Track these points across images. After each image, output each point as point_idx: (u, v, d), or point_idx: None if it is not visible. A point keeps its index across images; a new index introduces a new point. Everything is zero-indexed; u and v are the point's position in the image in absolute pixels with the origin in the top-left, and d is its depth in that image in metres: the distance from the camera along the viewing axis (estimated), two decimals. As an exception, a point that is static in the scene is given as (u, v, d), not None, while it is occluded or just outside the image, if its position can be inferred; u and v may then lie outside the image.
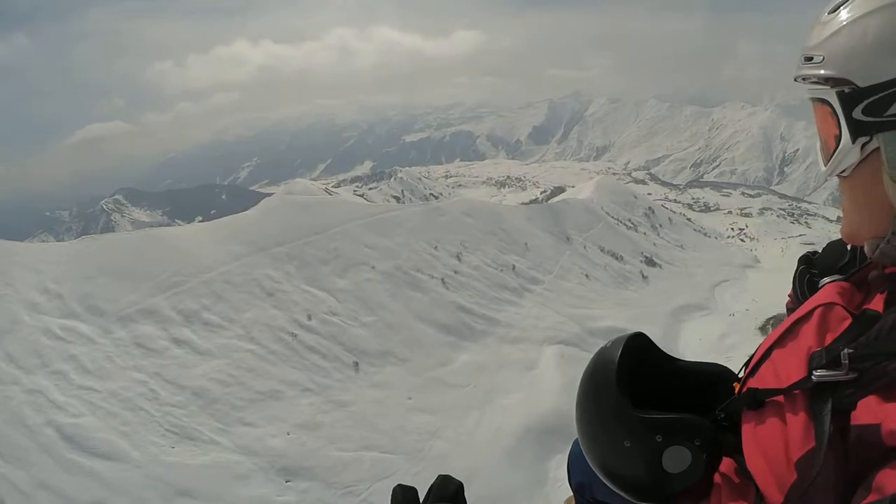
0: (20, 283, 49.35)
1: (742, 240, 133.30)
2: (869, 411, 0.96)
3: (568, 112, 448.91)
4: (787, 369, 1.16)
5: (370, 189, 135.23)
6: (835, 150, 1.16)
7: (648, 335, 1.53)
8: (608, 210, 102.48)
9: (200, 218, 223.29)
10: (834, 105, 1.16)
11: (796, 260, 1.65)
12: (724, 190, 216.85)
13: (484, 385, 49.92)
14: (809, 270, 1.57)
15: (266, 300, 54.99)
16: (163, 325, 49.57)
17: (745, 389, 1.25)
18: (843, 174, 1.17)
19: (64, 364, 44.34)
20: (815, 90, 1.20)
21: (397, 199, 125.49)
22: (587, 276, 75.28)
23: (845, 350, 1.03)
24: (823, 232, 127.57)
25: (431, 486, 1.27)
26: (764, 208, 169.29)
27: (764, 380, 1.22)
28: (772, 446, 1.12)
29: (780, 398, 1.14)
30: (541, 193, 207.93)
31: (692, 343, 59.88)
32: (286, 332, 52.47)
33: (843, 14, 1.15)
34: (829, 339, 1.13)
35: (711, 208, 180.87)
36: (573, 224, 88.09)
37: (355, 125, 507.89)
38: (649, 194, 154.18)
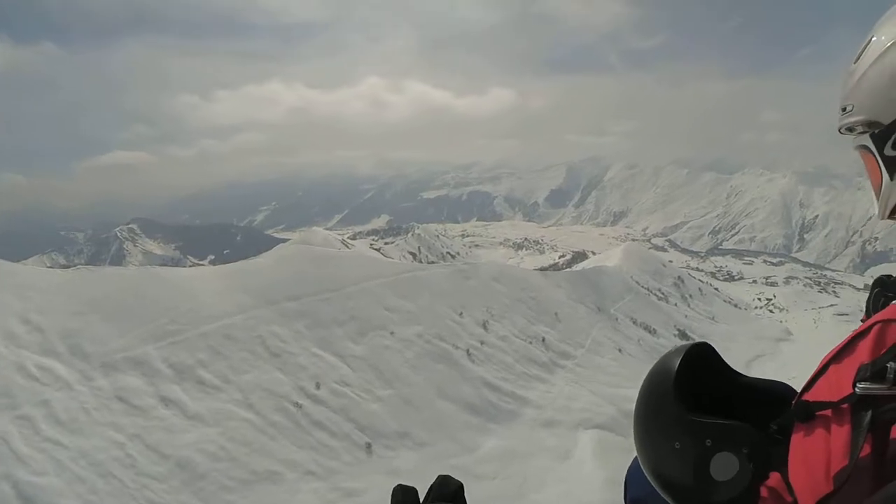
0: (1, 309, 44.87)
1: (771, 311, 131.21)
2: None
3: (586, 176, 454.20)
4: (840, 383, 1.15)
5: (387, 244, 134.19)
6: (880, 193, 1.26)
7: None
8: (638, 279, 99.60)
9: (213, 257, 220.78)
10: (871, 148, 1.25)
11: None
12: (746, 258, 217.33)
13: (514, 477, 44.13)
14: (885, 293, 1.58)
15: (270, 361, 49.94)
16: (151, 378, 44.79)
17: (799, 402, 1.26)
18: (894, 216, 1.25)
19: (34, 409, 39.55)
20: (856, 139, 1.30)
21: (413, 255, 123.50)
22: (620, 350, 70.48)
23: (892, 364, 1.05)
24: (853, 301, 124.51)
25: (431, 485, 1.29)
26: (789, 277, 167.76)
27: (818, 393, 1.22)
28: (815, 458, 1.12)
29: (829, 412, 1.14)
30: (559, 258, 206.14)
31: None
32: (290, 401, 47.08)
33: (864, 59, 1.25)
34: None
35: (735, 277, 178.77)
36: (604, 294, 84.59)
37: (374, 178, 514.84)
38: (671, 261, 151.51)
